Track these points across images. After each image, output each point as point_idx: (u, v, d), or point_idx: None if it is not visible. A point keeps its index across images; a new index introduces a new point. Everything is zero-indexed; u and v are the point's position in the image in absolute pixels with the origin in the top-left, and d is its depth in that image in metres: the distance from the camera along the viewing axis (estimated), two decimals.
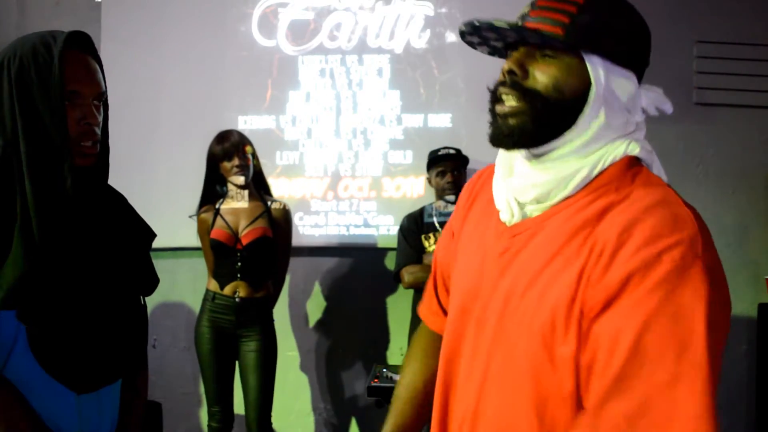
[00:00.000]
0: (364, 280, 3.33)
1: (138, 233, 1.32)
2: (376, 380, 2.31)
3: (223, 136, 2.67)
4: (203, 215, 2.72)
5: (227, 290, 2.65)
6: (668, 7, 3.26)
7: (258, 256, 2.66)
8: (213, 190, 2.73)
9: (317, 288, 3.37)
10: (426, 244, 2.88)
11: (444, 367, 1.01)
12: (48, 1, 3.41)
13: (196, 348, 2.73)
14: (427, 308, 1.21)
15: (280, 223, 2.73)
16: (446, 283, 1.14)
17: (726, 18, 3.26)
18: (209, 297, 2.70)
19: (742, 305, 3.24)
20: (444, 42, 3.23)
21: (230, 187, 2.69)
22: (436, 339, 1.12)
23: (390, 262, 3.20)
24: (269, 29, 3.28)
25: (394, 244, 3.00)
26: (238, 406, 2.78)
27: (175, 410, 3.26)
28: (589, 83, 0.86)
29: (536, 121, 0.87)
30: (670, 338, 0.74)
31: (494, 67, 1.10)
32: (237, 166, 2.62)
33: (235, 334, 2.68)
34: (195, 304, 3.27)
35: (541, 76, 0.86)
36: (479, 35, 0.93)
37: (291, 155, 3.29)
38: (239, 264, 2.64)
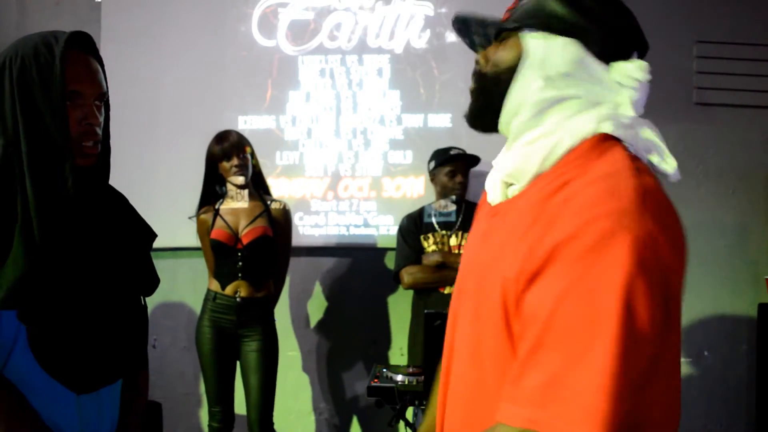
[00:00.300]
0: (364, 280, 3.33)
1: (138, 233, 1.32)
2: (376, 380, 2.31)
3: (222, 137, 2.67)
4: (203, 216, 2.72)
5: (228, 290, 2.65)
6: (668, 7, 3.27)
7: (258, 255, 2.66)
8: (212, 191, 2.73)
9: (317, 288, 3.37)
10: (425, 244, 2.88)
11: (445, 346, 1.03)
12: (48, 1, 3.41)
13: (197, 348, 2.73)
14: None
15: (280, 222, 2.73)
16: None
17: (726, 18, 3.26)
18: (210, 297, 2.70)
19: (742, 305, 3.24)
20: (444, 42, 3.23)
21: (229, 187, 2.69)
22: None
23: (390, 262, 3.20)
24: (269, 29, 3.28)
25: (394, 244, 3.00)
26: (239, 406, 2.78)
27: (175, 410, 3.26)
28: (518, 57, 0.89)
29: (481, 97, 0.94)
30: (584, 312, 0.72)
31: None
32: (236, 166, 2.62)
33: (236, 334, 2.68)
34: (195, 304, 3.28)
35: (490, 58, 0.93)
36: (470, 37, 1.00)
37: (291, 155, 3.29)
38: (240, 264, 2.64)
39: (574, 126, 0.86)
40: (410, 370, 2.39)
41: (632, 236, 0.73)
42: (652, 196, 0.78)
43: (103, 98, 1.19)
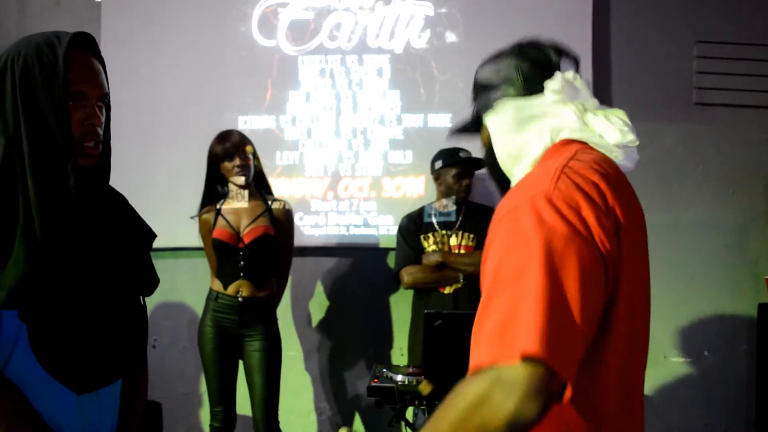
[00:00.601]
0: (364, 280, 3.33)
1: (138, 234, 1.32)
2: (376, 380, 2.30)
3: (224, 136, 2.67)
4: (205, 216, 2.73)
5: (230, 290, 2.66)
6: (668, 7, 3.27)
7: (260, 254, 2.66)
8: (214, 191, 2.74)
9: (317, 288, 3.37)
10: (425, 244, 2.88)
11: None
12: (48, 1, 3.41)
13: (199, 348, 2.73)
14: None
15: (281, 221, 2.74)
16: None
17: (726, 18, 3.26)
18: (212, 296, 2.70)
19: (742, 305, 3.24)
20: (444, 42, 3.23)
21: (231, 187, 2.69)
22: None
23: (390, 262, 3.20)
24: (269, 29, 3.28)
25: (394, 244, 3.00)
26: (240, 406, 2.78)
27: (175, 410, 3.26)
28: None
29: (488, 166, 1.23)
30: (511, 268, 0.90)
31: None
32: (238, 167, 2.63)
33: (239, 333, 2.68)
34: (195, 304, 3.28)
35: (481, 141, 1.23)
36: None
37: (291, 155, 3.29)
38: (242, 263, 2.64)
39: (537, 146, 1.10)
40: (410, 370, 2.38)
41: (534, 203, 0.93)
42: (567, 171, 0.98)
43: (104, 99, 1.19)
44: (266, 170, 2.87)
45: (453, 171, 2.84)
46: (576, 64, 1.16)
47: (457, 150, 2.87)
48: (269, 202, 2.74)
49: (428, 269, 2.81)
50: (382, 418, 2.79)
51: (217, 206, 2.71)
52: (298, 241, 2.90)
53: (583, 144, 1.07)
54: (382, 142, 3.26)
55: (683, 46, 3.27)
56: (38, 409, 1.10)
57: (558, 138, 1.08)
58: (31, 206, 1.09)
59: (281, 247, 2.75)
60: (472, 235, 2.86)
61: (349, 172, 3.27)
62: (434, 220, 2.90)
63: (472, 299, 2.78)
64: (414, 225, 2.92)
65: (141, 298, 1.30)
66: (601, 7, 3.24)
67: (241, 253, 2.64)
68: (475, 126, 1.23)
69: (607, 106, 1.15)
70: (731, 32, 3.25)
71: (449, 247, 2.86)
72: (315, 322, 3.38)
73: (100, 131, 1.17)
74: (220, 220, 2.67)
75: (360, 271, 3.33)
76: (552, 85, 1.09)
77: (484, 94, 1.18)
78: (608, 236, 0.93)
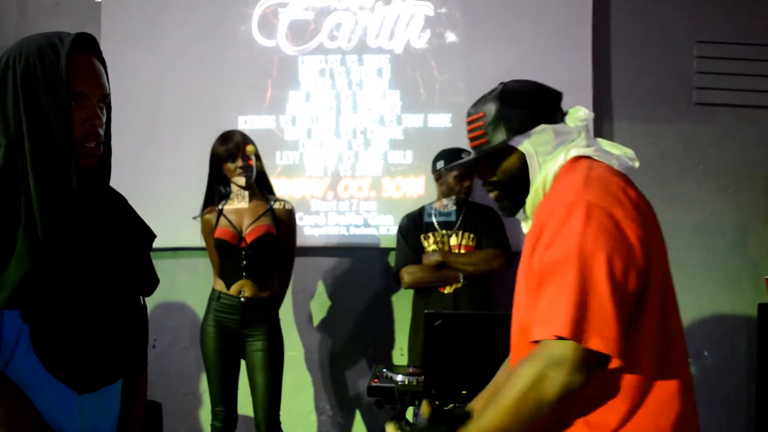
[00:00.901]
0: (364, 280, 3.33)
1: (138, 234, 1.32)
2: (376, 380, 2.30)
3: (226, 137, 2.67)
4: (207, 216, 2.73)
5: (233, 290, 2.66)
6: (668, 7, 3.27)
7: (262, 253, 2.66)
8: (216, 191, 2.74)
9: (317, 288, 3.37)
10: (425, 244, 2.88)
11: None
12: (48, 1, 3.41)
13: (201, 347, 2.73)
14: None
15: (283, 221, 2.74)
16: None
17: (726, 18, 3.26)
18: (215, 296, 2.70)
19: (742, 305, 3.24)
20: (444, 42, 3.23)
21: (233, 187, 2.69)
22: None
23: (390, 262, 3.20)
24: (269, 29, 3.28)
25: (394, 244, 3.00)
26: (240, 406, 2.78)
27: (175, 410, 3.26)
28: (521, 152, 1.29)
29: (509, 197, 1.35)
30: (559, 255, 1.11)
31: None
32: (240, 167, 2.63)
33: (241, 333, 2.68)
34: (195, 304, 3.28)
35: (500, 171, 1.33)
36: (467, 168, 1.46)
37: (291, 155, 3.29)
38: (244, 262, 2.65)
39: (555, 165, 1.27)
40: (410, 370, 2.39)
41: (583, 203, 1.12)
42: (593, 180, 1.17)
43: (105, 99, 1.19)
44: (266, 170, 2.87)
45: (455, 172, 2.84)
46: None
47: (460, 151, 2.87)
48: (271, 202, 2.74)
49: (428, 269, 2.81)
50: (383, 418, 2.80)
51: (219, 206, 2.71)
52: (298, 241, 2.90)
53: (590, 159, 1.26)
54: (382, 142, 3.26)
55: (683, 46, 3.27)
56: (39, 409, 1.10)
57: (569, 156, 1.26)
58: (33, 206, 1.09)
59: (283, 247, 2.75)
60: (472, 235, 2.86)
61: (349, 172, 3.27)
62: (434, 220, 2.91)
63: (472, 299, 2.78)
64: (414, 225, 2.92)
65: (141, 298, 1.30)
66: (601, 7, 3.24)
67: (243, 253, 2.64)
68: (498, 153, 1.31)
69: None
70: (731, 32, 3.25)
71: (449, 246, 2.86)
72: (315, 322, 3.38)
73: (101, 132, 1.17)
74: (222, 219, 2.68)
75: (360, 271, 3.33)
76: (580, 114, 1.30)
77: (513, 121, 1.30)
78: (638, 230, 1.12)
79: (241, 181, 2.65)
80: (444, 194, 2.89)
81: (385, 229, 3.26)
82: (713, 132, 3.30)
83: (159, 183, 3.24)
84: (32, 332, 1.08)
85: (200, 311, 2.79)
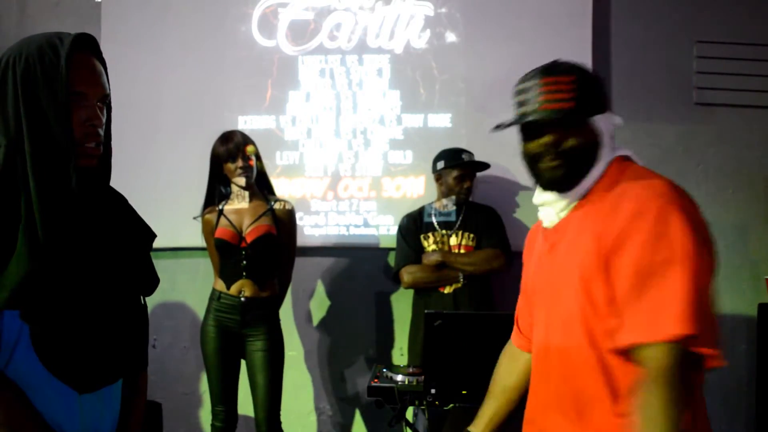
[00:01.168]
0: (364, 280, 3.33)
1: (138, 234, 1.32)
2: (376, 380, 2.30)
3: (227, 137, 2.67)
4: (207, 216, 2.73)
5: (233, 290, 2.66)
6: (668, 7, 3.27)
7: (262, 253, 2.66)
8: (217, 191, 2.74)
9: (317, 288, 3.37)
10: (425, 244, 2.88)
11: (534, 332, 1.37)
12: (48, 1, 3.41)
13: (201, 347, 2.73)
14: (513, 333, 1.57)
15: (284, 221, 2.74)
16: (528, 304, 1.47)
17: (726, 18, 3.26)
18: (215, 296, 2.70)
19: (742, 305, 3.24)
20: (444, 42, 3.23)
21: (233, 187, 2.69)
22: (516, 351, 1.53)
23: (390, 261, 3.20)
24: (269, 29, 3.28)
25: (394, 243, 3.00)
26: (241, 406, 2.78)
27: (175, 410, 3.26)
28: (595, 133, 1.25)
29: (568, 168, 1.25)
30: (664, 254, 1.10)
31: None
32: (240, 168, 2.63)
33: (241, 333, 2.68)
34: (195, 304, 3.28)
35: (571, 141, 1.24)
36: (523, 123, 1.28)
37: (291, 155, 3.29)
38: (244, 262, 2.65)
39: (603, 161, 1.26)
40: (410, 370, 2.38)
41: (678, 206, 1.13)
42: (669, 182, 1.20)
43: (105, 100, 1.19)
44: (266, 170, 2.87)
45: (455, 172, 2.84)
46: None
47: (460, 151, 2.87)
48: (271, 203, 2.74)
49: (428, 269, 2.81)
50: (382, 418, 2.80)
51: (220, 207, 2.71)
52: (298, 241, 2.90)
53: (630, 160, 1.29)
54: (382, 142, 3.26)
55: (683, 46, 3.27)
56: (39, 409, 1.10)
57: (617, 153, 1.27)
58: (33, 206, 1.09)
59: (284, 247, 2.75)
60: (472, 235, 2.86)
61: (349, 172, 3.27)
62: (434, 220, 2.91)
63: (472, 299, 2.78)
64: (414, 224, 2.92)
65: (141, 298, 1.30)
66: (601, 7, 3.24)
67: (243, 253, 2.64)
68: (577, 123, 1.24)
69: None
70: (731, 32, 3.25)
71: (449, 246, 2.86)
72: (315, 321, 3.38)
73: (101, 132, 1.18)
74: (223, 219, 2.68)
75: (360, 271, 3.33)
76: (615, 119, 1.30)
77: (600, 98, 1.26)
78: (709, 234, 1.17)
79: (242, 181, 2.65)
80: (444, 194, 2.90)
81: (385, 229, 3.26)
82: (713, 132, 3.30)
83: (159, 183, 3.24)
84: (32, 332, 1.08)
85: (200, 311, 2.79)
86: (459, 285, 2.79)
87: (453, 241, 2.87)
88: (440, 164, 2.88)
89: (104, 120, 1.19)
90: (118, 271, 1.22)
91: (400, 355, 3.28)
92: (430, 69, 3.24)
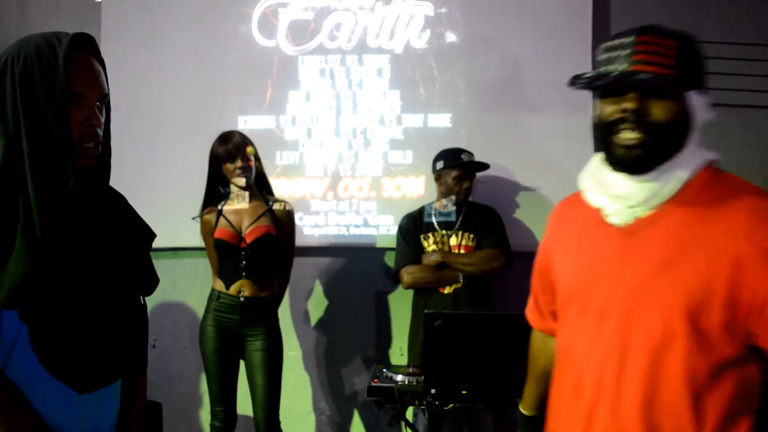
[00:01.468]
0: (364, 280, 3.33)
1: (138, 233, 1.32)
2: (376, 380, 2.31)
3: (226, 138, 2.67)
4: (206, 216, 2.73)
5: (232, 290, 2.66)
6: (668, 7, 3.27)
7: (262, 254, 2.66)
8: (216, 192, 2.74)
9: (317, 288, 3.37)
10: (425, 244, 2.88)
11: (565, 357, 1.21)
12: (48, 1, 3.41)
13: (200, 347, 2.73)
14: (532, 314, 1.45)
15: (283, 222, 2.74)
16: (549, 291, 1.33)
17: (726, 18, 3.26)
18: (214, 296, 2.70)
19: None
20: (444, 42, 3.23)
21: (232, 188, 2.69)
22: (544, 337, 1.41)
23: (390, 261, 3.20)
24: (269, 29, 3.28)
25: (393, 243, 3.00)
26: (240, 406, 2.78)
27: (175, 410, 3.26)
28: (688, 113, 1.10)
29: (657, 150, 1.07)
30: None
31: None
32: (239, 168, 2.63)
33: (240, 333, 2.68)
34: (195, 304, 3.28)
35: (659, 113, 1.07)
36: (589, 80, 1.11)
37: (291, 155, 3.29)
38: (243, 263, 2.65)
39: (696, 158, 1.12)
40: (410, 370, 2.39)
41: None
42: None
43: (104, 99, 1.19)
44: (266, 170, 2.87)
45: (454, 173, 2.85)
46: None
47: (460, 151, 2.87)
48: (271, 203, 2.74)
49: (428, 269, 2.81)
50: (381, 418, 2.80)
51: (219, 207, 2.72)
52: (297, 241, 2.90)
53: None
54: (382, 142, 3.26)
55: None
56: (38, 409, 1.10)
57: (707, 156, 1.17)
58: (32, 206, 1.09)
59: (283, 248, 2.75)
60: (472, 235, 2.86)
61: (349, 172, 3.27)
62: (434, 220, 2.91)
63: (472, 299, 2.78)
64: (414, 224, 2.92)
65: (141, 297, 1.30)
66: (601, 6, 3.24)
67: (242, 253, 2.65)
68: (667, 88, 1.09)
69: None
70: (731, 32, 3.25)
71: (449, 247, 2.86)
72: (314, 321, 3.38)
73: (100, 132, 1.17)
74: (222, 220, 2.68)
75: (360, 271, 3.33)
76: (709, 113, 1.17)
77: (701, 73, 1.14)
78: None
79: (241, 181, 2.65)
80: (443, 194, 2.90)
81: (385, 229, 3.26)
82: (713, 132, 3.29)
83: (159, 183, 3.24)
84: (31, 332, 1.08)
85: (200, 311, 2.79)
86: (459, 285, 2.79)
87: (453, 241, 2.87)
88: (440, 164, 2.88)
89: (103, 120, 1.19)
90: (117, 271, 1.22)
91: (399, 355, 3.28)
92: (430, 69, 3.23)
